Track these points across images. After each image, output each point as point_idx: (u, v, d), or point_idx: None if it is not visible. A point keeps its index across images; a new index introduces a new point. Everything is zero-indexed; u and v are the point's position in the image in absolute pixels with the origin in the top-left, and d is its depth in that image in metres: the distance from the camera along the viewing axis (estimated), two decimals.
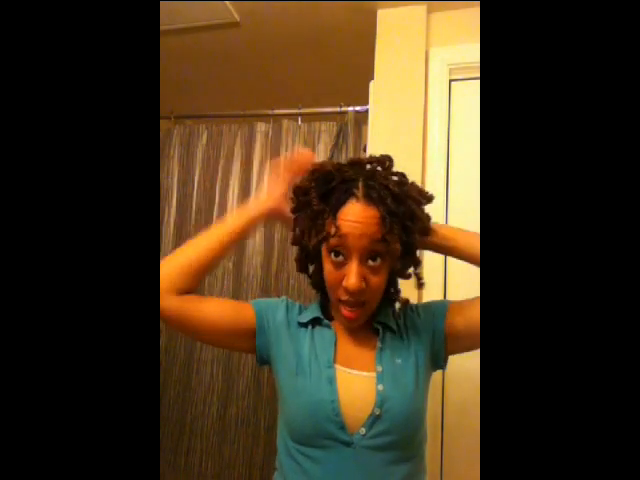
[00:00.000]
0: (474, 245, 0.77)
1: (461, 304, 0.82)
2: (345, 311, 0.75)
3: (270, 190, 0.85)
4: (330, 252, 0.74)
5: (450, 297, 1.33)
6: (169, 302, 0.77)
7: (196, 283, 0.81)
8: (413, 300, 0.90)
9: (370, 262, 0.73)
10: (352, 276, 0.72)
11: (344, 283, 0.73)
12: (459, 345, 0.81)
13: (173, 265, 0.79)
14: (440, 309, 0.82)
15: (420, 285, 0.85)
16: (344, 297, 0.74)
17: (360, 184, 0.74)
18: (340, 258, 0.73)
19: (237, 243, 0.84)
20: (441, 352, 0.82)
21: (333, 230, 0.72)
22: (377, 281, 0.74)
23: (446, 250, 0.83)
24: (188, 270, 0.79)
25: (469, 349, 0.81)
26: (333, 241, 0.73)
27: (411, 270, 0.83)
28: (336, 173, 0.76)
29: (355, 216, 0.72)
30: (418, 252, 0.82)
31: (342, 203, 0.73)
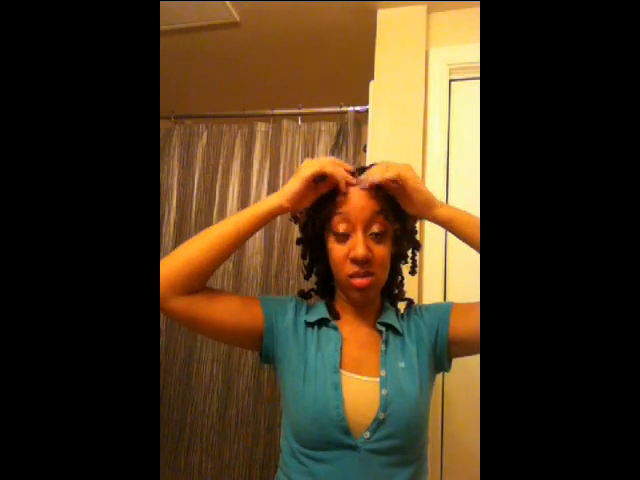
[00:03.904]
0: (473, 233, 0.76)
1: (464, 308, 0.82)
2: (356, 281, 0.77)
3: (287, 188, 0.78)
4: (334, 233, 0.78)
5: (450, 296, 1.34)
6: (175, 304, 0.75)
7: (202, 282, 0.78)
8: (414, 299, 0.91)
9: (373, 235, 0.77)
10: (358, 246, 0.76)
11: (351, 254, 0.76)
12: (462, 348, 0.81)
13: (177, 264, 0.75)
14: (444, 312, 0.82)
15: (413, 272, 0.87)
16: (352, 270, 0.77)
17: (356, 172, 0.80)
18: (344, 235, 0.78)
19: (243, 241, 0.80)
20: (444, 355, 0.82)
21: (335, 207, 0.77)
22: (381, 252, 0.78)
23: (446, 229, 0.82)
24: (193, 269, 0.75)
25: (472, 353, 0.81)
26: (336, 219, 0.77)
27: (410, 253, 0.87)
28: None
29: (355, 192, 0.78)
30: (417, 235, 0.88)
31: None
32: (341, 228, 0.77)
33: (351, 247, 0.76)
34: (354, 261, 0.76)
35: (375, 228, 0.77)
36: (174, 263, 0.76)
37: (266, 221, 0.79)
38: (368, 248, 0.76)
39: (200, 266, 0.76)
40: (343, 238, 0.78)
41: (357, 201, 0.77)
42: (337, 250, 0.78)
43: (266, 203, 0.79)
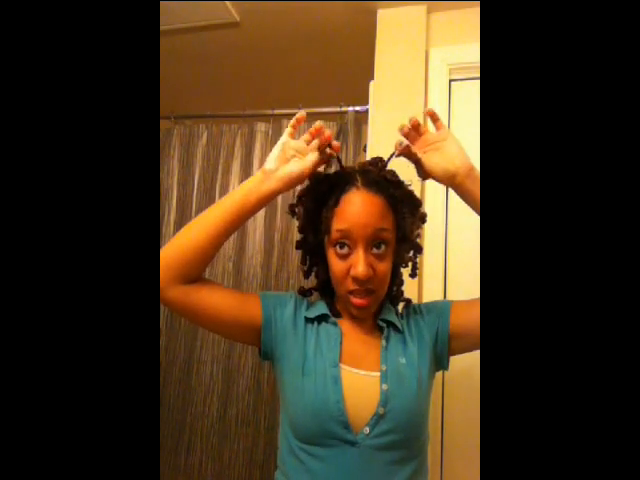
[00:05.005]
0: None
1: (464, 304, 0.82)
2: (355, 300, 0.76)
3: (281, 171, 0.76)
4: (334, 245, 0.76)
5: (450, 297, 1.33)
6: (173, 293, 0.75)
7: (201, 269, 0.78)
8: (414, 299, 0.91)
9: (375, 250, 0.75)
10: (360, 264, 0.73)
11: (352, 272, 0.74)
12: (462, 345, 0.81)
13: (174, 252, 0.76)
14: (444, 310, 0.82)
15: (414, 274, 0.86)
16: (353, 287, 0.75)
17: (358, 175, 0.77)
18: (345, 249, 0.75)
19: (240, 223, 0.78)
20: (444, 352, 0.82)
21: (336, 223, 0.75)
22: (383, 268, 0.76)
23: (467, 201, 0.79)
24: (190, 256, 0.76)
25: (471, 349, 0.81)
26: (337, 234, 0.75)
27: (410, 256, 0.86)
28: (332, 174, 0.80)
29: (357, 205, 0.75)
30: (418, 239, 0.86)
31: (342, 194, 0.76)
32: (341, 245, 0.75)
33: (352, 264, 0.74)
34: (355, 279, 0.75)
35: (377, 245, 0.75)
36: (171, 251, 0.76)
37: (256, 204, 0.77)
38: (370, 266, 0.74)
39: (197, 252, 0.76)
40: (344, 254, 0.75)
41: (358, 217, 0.74)
42: (337, 265, 0.76)
43: (250, 185, 0.77)
